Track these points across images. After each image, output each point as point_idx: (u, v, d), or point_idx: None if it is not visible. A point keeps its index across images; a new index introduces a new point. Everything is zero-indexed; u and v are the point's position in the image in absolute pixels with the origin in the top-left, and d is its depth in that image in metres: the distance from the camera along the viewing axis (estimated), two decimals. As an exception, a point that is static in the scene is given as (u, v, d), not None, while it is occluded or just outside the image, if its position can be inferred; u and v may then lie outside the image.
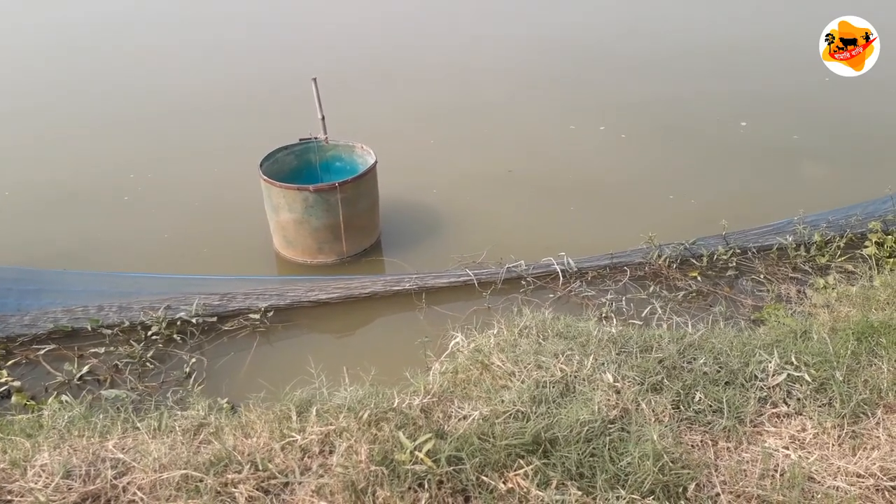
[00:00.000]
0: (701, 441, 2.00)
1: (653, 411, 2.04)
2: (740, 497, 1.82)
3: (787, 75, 7.15)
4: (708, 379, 2.18)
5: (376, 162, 3.98)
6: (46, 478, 1.90)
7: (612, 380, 2.13)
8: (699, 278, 3.53)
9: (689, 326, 2.57)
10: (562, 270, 3.57)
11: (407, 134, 5.89)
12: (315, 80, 3.97)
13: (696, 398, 2.10)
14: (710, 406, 2.08)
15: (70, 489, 1.87)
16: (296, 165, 4.19)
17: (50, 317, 3.57)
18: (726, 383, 2.19)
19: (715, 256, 3.63)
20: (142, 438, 2.08)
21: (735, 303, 3.34)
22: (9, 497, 1.87)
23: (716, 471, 1.89)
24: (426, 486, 1.81)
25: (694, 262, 3.63)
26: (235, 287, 3.75)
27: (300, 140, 4.17)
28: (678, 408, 2.09)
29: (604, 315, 3.02)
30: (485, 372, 2.30)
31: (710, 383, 2.16)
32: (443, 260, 3.94)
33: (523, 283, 3.60)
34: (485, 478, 1.84)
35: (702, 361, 2.25)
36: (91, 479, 1.91)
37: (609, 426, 1.97)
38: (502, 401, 2.07)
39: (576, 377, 2.18)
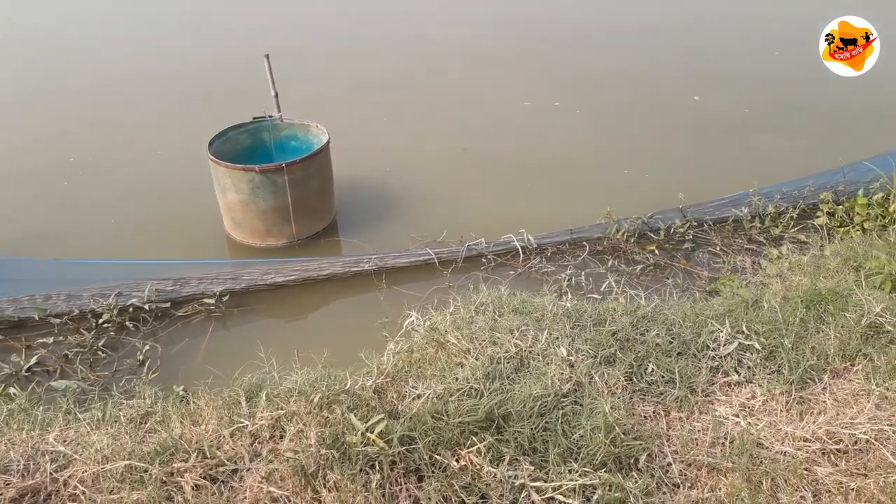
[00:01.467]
0: (653, 412, 2.01)
1: (606, 384, 2.04)
2: (691, 465, 1.84)
3: (740, 50, 7.23)
4: (661, 350, 2.19)
5: (328, 142, 3.88)
6: (-19, 474, 1.82)
7: (565, 354, 2.13)
8: (656, 251, 3.56)
9: (644, 299, 2.58)
10: (522, 247, 3.56)
11: (360, 112, 5.80)
12: (267, 56, 3.86)
13: (649, 369, 2.11)
14: (663, 377, 2.10)
15: (7, 484, 1.80)
16: (249, 144, 4.08)
17: (-6, 307, 3.44)
18: (679, 354, 2.20)
19: (672, 230, 3.66)
20: (84, 430, 2.01)
21: (692, 275, 3.37)
22: (-59, 495, 1.79)
23: (668, 441, 1.90)
24: (378, 468, 1.78)
25: (651, 235, 3.65)
26: (189, 272, 3.65)
27: (254, 118, 4.05)
28: (631, 379, 2.10)
29: (562, 290, 3.02)
30: (440, 350, 2.27)
31: (663, 354, 2.17)
32: (402, 240, 3.90)
33: (484, 260, 3.58)
34: (438, 456, 1.82)
35: (654, 333, 2.26)
36: (30, 473, 1.84)
37: (562, 400, 1.97)
38: (456, 378, 2.05)
39: (530, 352, 2.17)
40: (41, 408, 2.16)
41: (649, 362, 2.13)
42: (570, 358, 2.12)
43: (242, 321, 3.40)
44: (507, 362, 2.12)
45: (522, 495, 1.71)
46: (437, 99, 6.10)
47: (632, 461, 1.80)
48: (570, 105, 5.84)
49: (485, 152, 4.99)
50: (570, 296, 2.71)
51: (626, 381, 2.08)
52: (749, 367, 2.15)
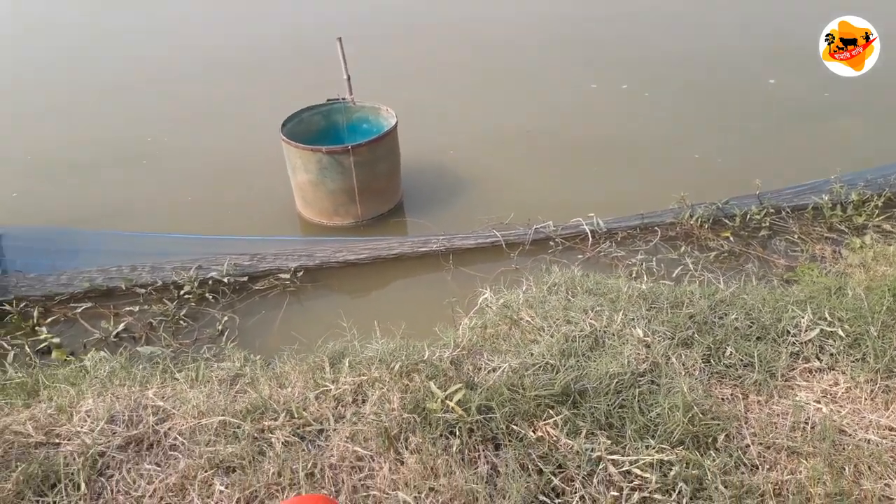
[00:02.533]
0: (731, 394, 2.00)
1: (683, 365, 2.04)
2: (770, 448, 1.83)
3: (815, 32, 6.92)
4: (739, 334, 2.17)
5: (395, 125, 3.94)
6: (92, 422, 1.97)
7: (642, 334, 2.13)
8: (731, 238, 3.48)
9: (722, 283, 2.54)
10: (591, 231, 3.55)
11: (427, 94, 5.85)
12: (340, 39, 3.95)
13: (727, 353, 2.09)
14: (741, 360, 2.08)
15: (114, 433, 1.94)
16: (323, 126, 4.19)
17: (85, 276, 3.67)
18: (758, 338, 2.17)
19: (748, 216, 3.57)
20: (180, 388, 2.14)
21: (768, 263, 3.29)
22: (57, 440, 1.95)
23: (745, 423, 1.89)
24: (457, 434, 1.84)
25: (726, 221, 3.58)
26: (264, 248, 3.81)
27: (327, 100, 4.16)
28: (708, 362, 2.09)
29: (634, 274, 3.00)
30: (514, 327, 2.31)
31: (742, 338, 2.15)
32: (468, 221, 3.93)
33: (551, 243, 3.58)
34: (514, 426, 1.86)
35: (733, 317, 2.23)
36: (134, 424, 1.98)
37: (639, 379, 1.98)
38: (531, 354, 2.09)
39: (605, 332, 2.19)
40: (140, 366, 2.31)
41: (727, 346, 2.11)
42: (647, 339, 2.13)
43: (316, 296, 3.52)
44: (582, 341, 2.14)
45: (599, 467, 1.73)
46: (503, 81, 6.09)
47: (709, 440, 1.81)
48: (638, 88, 5.74)
49: (551, 135, 4.97)
50: (644, 278, 2.70)
51: (703, 363, 2.07)
52: (832, 355, 2.11)
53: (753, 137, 4.82)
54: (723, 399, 1.98)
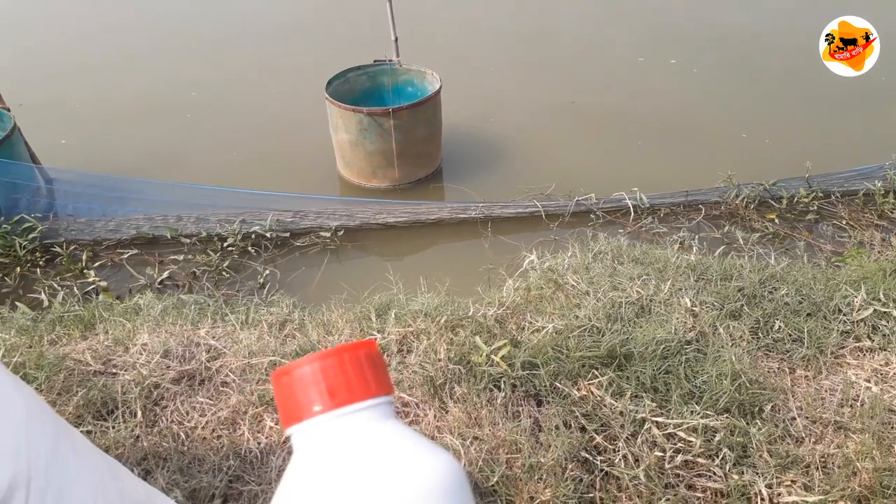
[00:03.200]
0: (778, 368, 1.99)
1: (730, 336, 2.03)
2: (816, 423, 1.82)
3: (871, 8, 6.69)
4: (789, 309, 2.16)
5: (438, 90, 3.92)
6: (147, 356, 2.04)
7: (689, 304, 2.13)
8: (776, 221, 3.43)
9: (773, 259, 2.52)
10: (633, 206, 3.52)
11: (472, 59, 5.81)
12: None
13: (776, 327, 2.08)
14: (790, 335, 2.06)
15: (168, 367, 2.01)
16: (368, 87, 4.20)
17: (133, 223, 3.76)
18: (808, 315, 2.15)
19: (795, 199, 3.52)
20: (231, 328, 2.20)
21: (813, 248, 3.25)
22: (114, 370, 2.02)
23: (792, 396, 1.89)
24: (501, 387, 1.87)
25: (773, 203, 3.53)
26: (307, 205, 3.85)
27: (374, 61, 4.16)
28: (756, 335, 2.08)
29: (682, 247, 2.97)
30: (558, 291, 2.32)
31: (791, 314, 2.14)
32: (507, 190, 3.93)
33: (592, 216, 3.57)
34: (558, 384, 1.88)
35: (783, 292, 2.21)
36: (187, 360, 2.04)
37: (685, 346, 1.98)
38: (576, 316, 2.10)
39: (652, 300, 2.18)
40: (192, 307, 2.37)
41: (776, 320, 2.09)
42: (694, 308, 2.12)
43: (354, 256, 3.57)
44: (629, 307, 2.14)
45: (643, 428, 1.75)
46: (550, 50, 6.02)
47: (756, 410, 1.81)
48: (687, 63, 5.62)
49: (595, 107, 4.91)
50: (693, 249, 2.68)
51: (751, 335, 2.06)
52: (885, 335, 2.08)
53: (804, 119, 4.71)
54: (769, 371, 1.97)
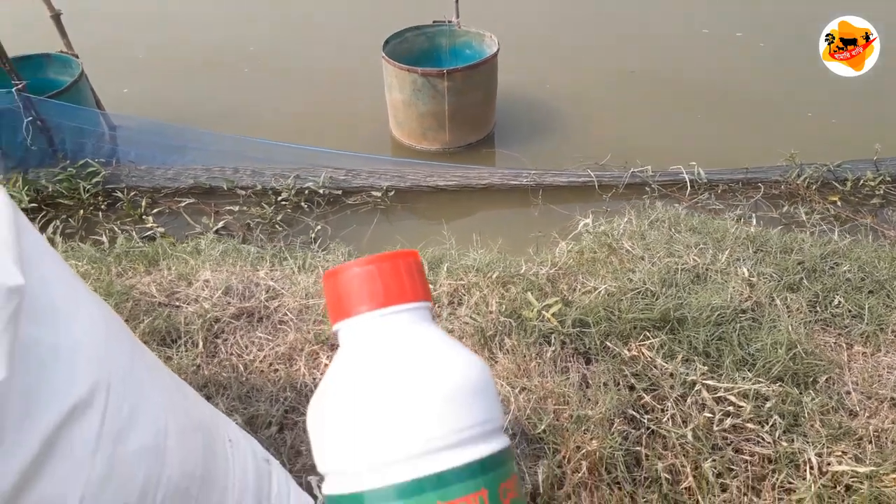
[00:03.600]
0: (835, 343, 1.96)
1: (787, 307, 2.00)
2: (872, 398, 1.79)
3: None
4: (850, 285, 2.11)
5: (495, 54, 3.87)
6: (209, 291, 2.12)
7: (747, 274, 2.10)
8: (839, 203, 3.33)
9: (836, 234, 2.46)
10: (690, 180, 3.46)
11: (530, 24, 5.71)
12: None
13: (835, 302, 2.04)
14: (850, 311, 2.02)
15: (229, 304, 2.08)
16: (426, 47, 4.19)
17: (191, 173, 3.86)
18: (870, 292, 2.11)
19: (861, 182, 3.40)
20: (289, 272, 2.27)
21: (877, 232, 3.14)
22: (177, 303, 2.11)
23: (848, 371, 1.86)
24: (552, 343, 1.89)
25: (836, 185, 3.42)
26: (359, 164, 3.90)
27: (433, 22, 4.15)
28: (814, 308, 2.04)
29: (743, 217, 2.92)
30: (612, 255, 2.31)
31: (853, 290, 2.09)
32: (560, 159, 3.89)
33: (647, 189, 3.52)
34: (609, 344, 1.89)
35: (845, 268, 2.16)
36: (246, 298, 2.12)
37: (740, 315, 1.96)
38: (630, 280, 2.09)
39: (708, 269, 2.16)
40: (252, 249, 2.44)
41: (836, 295, 2.05)
42: (752, 279, 2.09)
43: (404, 217, 3.61)
44: (684, 273, 2.13)
45: (693, 390, 1.75)
46: (612, 17, 5.89)
47: (810, 381, 1.79)
48: (753, 37, 5.43)
49: (655, 77, 4.79)
50: (753, 221, 2.64)
51: (808, 309, 2.03)
52: (949, 317, 2.03)
53: (873, 99, 4.51)
54: (825, 346, 1.94)
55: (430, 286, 2.16)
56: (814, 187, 3.39)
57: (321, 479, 0.40)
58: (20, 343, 0.97)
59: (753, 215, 3.21)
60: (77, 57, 3.99)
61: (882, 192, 3.36)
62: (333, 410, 0.39)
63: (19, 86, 3.51)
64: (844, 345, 1.95)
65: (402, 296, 0.41)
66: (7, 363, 0.90)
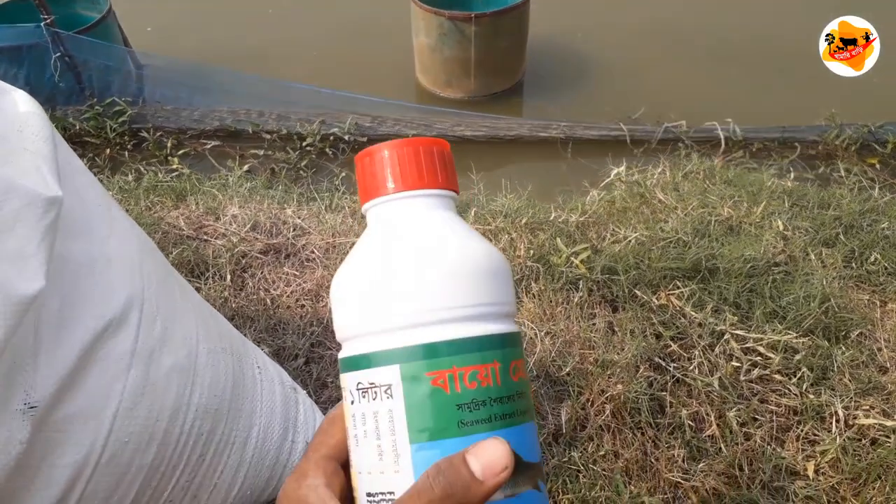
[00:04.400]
0: (868, 300, 1.92)
1: (821, 262, 1.96)
2: (904, 356, 1.76)
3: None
4: (888, 242, 2.05)
5: (527, 0, 3.74)
6: (237, 226, 2.12)
7: (781, 227, 2.05)
8: (877, 166, 3.23)
9: (876, 191, 2.39)
10: (725, 137, 3.37)
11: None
12: None
13: (872, 258, 1.99)
14: (886, 268, 1.97)
15: (256, 240, 2.09)
16: (462, -9, 4.09)
17: (216, 115, 3.84)
18: (908, 250, 2.05)
19: (902, 145, 3.29)
20: (316, 210, 2.26)
21: (915, 196, 3.06)
22: (205, 237, 2.12)
23: (881, 328, 1.82)
24: (579, 289, 1.87)
25: (876, 147, 3.31)
26: (386, 111, 3.85)
27: (469, -38, 4.03)
28: (850, 264, 2.00)
29: (780, 173, 2.85)
30: (644, 205, 2.27)
31: (891, 247, 2.04)
32: (590, 112, 3.81)
33: (680, 145, 3.44)
34: (637, 292, 1.87)
35: (884, 225, 2.11)
36: (274, 234, 2.12)
37: (773, 268, 1.92)
38: (662, 229, 2.06)
39: (742, 221, 2.12)
40: (279, 187, 2.44)
41: (873, 251, 2.00)
42: (787, 232, 2.05)
43: (429, 165, 3.56)
44: (718, 225, 2.08)
45: (722, 339, 1.73)
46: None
47: (841, 335, 1.76)
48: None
49: (687, 29, 4.62)
50: (791, 175, 2.57)
51: (843, 265, 1.98)
52: None
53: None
54: (859, 302, 1.90)
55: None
56: (853, 149, 3.29)
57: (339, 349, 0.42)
58: (57, 255, 0.98)
59: (791, 170, 3.14)
60: (105, -7, 3.95)
61: (925, 155, 3.25)
62: (361, 276, 0.41)
63: (48, 20, 3.49)
64: (878, 302, 1.91)
65: (430, 181, 0.42)
66: (45, 273, 0.90)
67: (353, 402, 0.40)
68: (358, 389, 0.39)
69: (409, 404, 0.37)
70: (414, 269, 0.39)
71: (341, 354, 0.42)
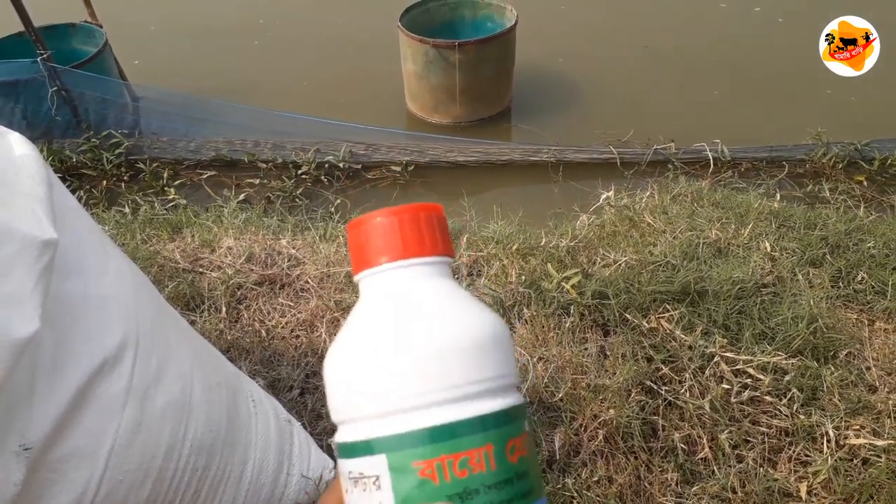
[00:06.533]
0: (856, 319, 1.94)
1: (809, 282, 1.99)
2: (892, 374, 1.78)
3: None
4: (875, 262, 2.08)
5: (511, 28, 3.80)
6: (232, 258, 2.15)
7: (769, 248, 2.08)
8: (865, 183, 3.28)
9: (861, 210, 2.43)
10: (714, 158, 3.42)
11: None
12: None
13: (859, 277, 2.02)
14: (873, 287, 2.00)
15: (251, 271, 2.11)
16: (448, 19, 4.16)
17: (212, 146, 3.89)
18: (894, 269, 2.08)
19: (888, 161, 3.34)
20: (311, 241, 2.29)
21: (903, 212, 3.10)
22: (201, 269, 2.14)
23: (870, 347, 1.84)
24: (570, 314, 1.89)
25: (863, 164, 3.36)
26: (379, 139, 3.90)
27: (456, -9, 4.12)
28: (837, 284, 2.03)
29: (767, 194, 2.89)
30: (633, 229, 2.30)
31: (877, 266, 2.07)
32: (579, 135, 3.86)
33: (670, 167, 3.48)
34: (628, 315, 1.89)
35: (870, 244, 2.14)
36: (269, 265, 2.14)
37: (761, 289, 1.95)
38: (651, 253, 2.09)
39: (730, 243, 2.15)
40: (274, 218, 2.47)
41: (860, 271, 2.03)
42: (774, 253, 2.08)
43: (423, 192, 3.61)
44: (706, 247, 2.11)
45: (712, 362, 1.75)
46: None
47: (830, 355, 1.78)
48: (772, 12, 5.31)
49: (672, 53, 4.71)
50: (777, 196, 2.61)
51: (831, 284, 2.01)
52: (975, 295, 2.00)
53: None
54: (847, 322, 1.93)
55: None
56: (840, 166, 3.34)
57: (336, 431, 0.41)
58: (52, 296, 1.00)
59: (778, 191, 3.18)
60: (101, 27, 4.02)
61: (911, 171, 3.30)
62: (348, 359, 0.39)
63: (45, 55, 3.55)
64: (866, 321, 1.93)
65: (422, 249, 0.41)
66: (40, 315, 0.92)
67: (347, 492, 0.38)
68: (350, 479, 0.38)
69: (398, 497, 0.35)
70: (398, 351, 0.37)
71: (335, 439, 0.40)
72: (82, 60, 3.75)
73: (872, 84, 4.30)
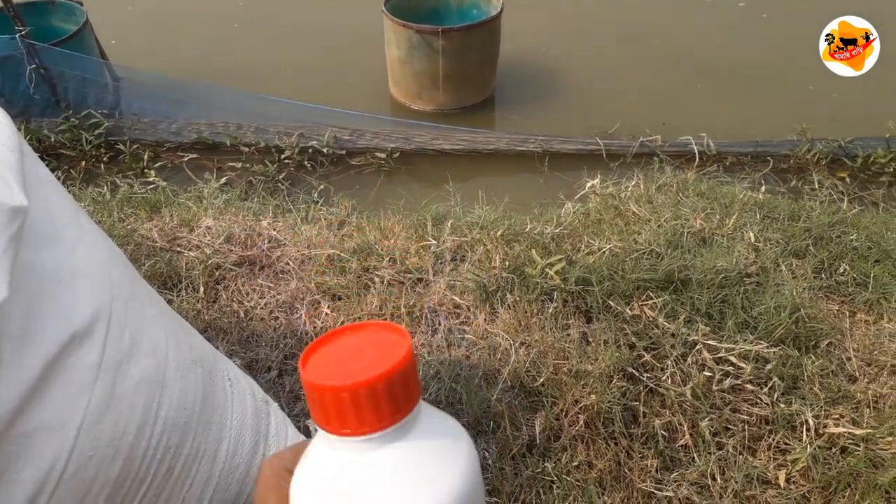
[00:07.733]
0: (838, 310, 1.95)
1: (791, 273, 1.99)
2: (872, 364, 1.79)
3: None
4: (857, 254, 2.10)
5: (496, 16, 3.77)
6: (210, 238, 2.11)
7: (753, 239, 2.08)
8: (847, 180, 3.30)
9: (845, 204, 2.44)
10: (699, 151, 3.42)
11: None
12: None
13: (841, 269, 2.03)
14: (855, 279, 2.01)
15: (230, 251, 2.07)
16: (435, 6, 4.12)
17: (194, 128, 3.82)
18: (876, 261, 2.09)
19: (871, 159, 3.37)
20: (292, 222, 2.25)
21: (886, 211, 3.12)
22: (179, 248, 2.10)
23: (850, 337, 1.85)
24: (553, 299, 1.88)
25: (846, 161, 3.39)
26: (364, 125, 3.85)
27: (444, -22, 4.08)
28: (819, 275, 2.03)
29: (752, 186, 2.90)
30: (618, 217, 2.30)
31: (859, 258, 2.08)
32: (564, 126, 3.84)
33: (655, 159, 3.48)
34: (611, 302, 1.88)
35: (853, 237, 2.15)
36: (248, 246, 2.11)
37: (745, 279, 1.95)
38: (635, 241, 2.08)
39: (714, 233, 2.15)
40: (255, 199, 2.43)
41: (842, 263, 2.04)
42: (758, 244, 2.08)
43: (408, 180, 3.57)
44: (690, 237, 2.11)
45: (694, 350, 1.75)
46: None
47: (811, 345, 1.78)
48: (757, 7, 5.33)
49: (657, 47, 4.71)
50: (762, 188, 2.61)
51: (813, 275, 2.02)
52: (954, 289, 2.02)
53: (877, 74, 4.45)
54: (828, 313, 1.94)
55: (434, 241, 2.15)
56: (823, 163, 3.36)
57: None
58: (21, 266, 0.96)
59: (763, 184, 3.19)
60: (81, 4, 3.92)
61: (892, 169, 3.32)
62: None
63: (23, 32, 3.46)
64: (847, 312, 1.94)
65: (387, 419, 0.38)
66: (8, 284, 0.88)
67: None
68: None
69: None
70: None
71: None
72: (62, 38, 3.65)
73: (857, 82, 4.34)
